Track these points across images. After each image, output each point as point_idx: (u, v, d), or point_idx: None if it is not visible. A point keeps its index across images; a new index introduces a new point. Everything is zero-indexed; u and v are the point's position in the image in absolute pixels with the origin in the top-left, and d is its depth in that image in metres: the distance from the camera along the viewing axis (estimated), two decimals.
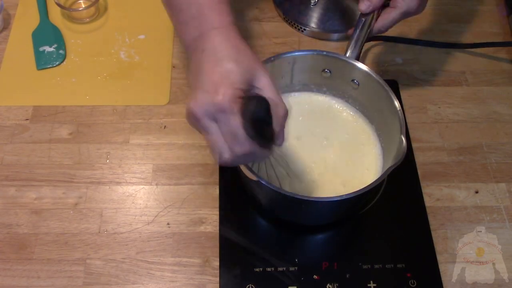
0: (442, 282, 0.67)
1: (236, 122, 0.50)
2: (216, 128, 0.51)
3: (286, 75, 0.72)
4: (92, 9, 0.90)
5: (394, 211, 0.73)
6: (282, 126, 0.54)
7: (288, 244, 0.70)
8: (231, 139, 0.51)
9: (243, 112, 0.49)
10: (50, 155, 0.76)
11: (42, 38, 0.87)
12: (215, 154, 0.53)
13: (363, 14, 0.70)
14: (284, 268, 0.67)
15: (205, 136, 0.53)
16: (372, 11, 0.70)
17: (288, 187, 0.67)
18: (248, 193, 0.71)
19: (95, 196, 0.73)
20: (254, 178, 0.60)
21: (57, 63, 0.85)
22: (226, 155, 0.52)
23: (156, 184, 0.74)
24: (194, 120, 0.52)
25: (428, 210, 0.73)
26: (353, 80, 0.71)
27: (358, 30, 0.70)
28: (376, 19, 0.71)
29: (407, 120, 0.80)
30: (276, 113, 0.52)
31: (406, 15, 0.71)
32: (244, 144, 0.51)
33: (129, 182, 0.74)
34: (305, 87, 0.75)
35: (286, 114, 0.54)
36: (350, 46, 0.70)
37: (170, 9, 0.61)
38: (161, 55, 0.87)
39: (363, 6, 0.69)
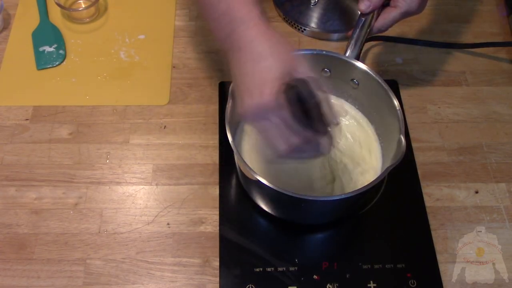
0: (442, 282, 0.67)
1: (286, 116, 0.51)
2: (269, 125, 0.52)
3: None
4: (92, 9, 0.90)
5: (394, 211, 0.73)
6: (331, 109, 0.53)
7: (288, 244, 0.70)
8: (286, 132, 0.52)
9: (289, 100, 0.50)
10: (50, 155, 0.76)
11: (42, 38, 0.87)
12: (276, 149, 0.54)
13: (363, 14, 0.70)
14: (284, 268, 0.67)
15: (264, 135, 0.54)
16: (372, 11, 0.70)
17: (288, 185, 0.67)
18: (248, 193, 0.71)
19: (95, 196, 0.73)
20: (254, 178, 0.60)
21: (57, 63, 0.85)
22: (282, 147, 0.53)
23: (156, 184, 0.74)
24: (248, 123, 0.54)
25: (428, 210, 0.73)
26: (352, 80, 0.71)
27: (357, 30, 0.70)
28: (376, 19, 0.71)
29: (407, 120, 0.80)
30: (316, 100, 0.52)
31: (406, 15, 0.71)
32: (298, 134, 0.52)
33: (129, 182, 0.74)
34: None
35: (328, 98, 0.53)
36: (350, 46, 0.70)
37: (202, 6, 0.61)
38: (161, 55, 0.87)
39: (363, 6, 0.69)
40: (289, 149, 0.53)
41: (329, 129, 0.54)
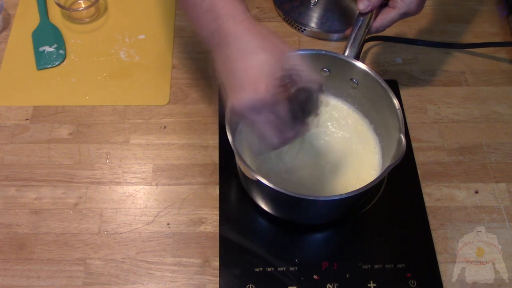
0: (442, 282, 0.67)
1: (283, 111, 0.52)
2: (263, 119, 0.53)
3: None
4: (92, 9, 0.90)
5: (394, 211, 0.73)
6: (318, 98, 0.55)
7: (288, 244, 0.70)
8: (280, 126, 0.53)
9: (294, 100, 0.52)
10: (50, 155, 0.76)
11: (42, 38, 0.87)
12: (265, 142, 0.55)
13: (362, 14, 0.70)
14: (284, 268, 0.67)
15: (253, 128, 0.55)
16: (371, 11, 0.70)
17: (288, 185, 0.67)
18: (248, 193, 0.71)
19: (95, 196, 0.73)
20: (254, 178, 0.60)
21: (57, 63, 0.85)
22: (275, 141, 0.54)
23: (156, 184, 0.74)
24: (240, 117, 0.54)
25: (428, 210, 0.73)
26: (352, 79, 0.71)
27: (356, 29, 0.70)
28: (375, 19, 0.71)
29: (407, 120, 0.81)
30: (312, 87, 0.53)
31: (405, 15, 0.71)
32: (293, 128, 0.54)
33: (129, 182, 0.74)
34: None
35: (321, 85, 0.55)
36: (349, 45, 0.70)
37: (183, 5, 0.61)
38: (161, 55, 0.87)
39: (362, 6, 0.69)
40: (282, 142, 0.54)
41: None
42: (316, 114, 0.56)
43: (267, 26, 0.56)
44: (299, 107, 0.52)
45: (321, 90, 0.54)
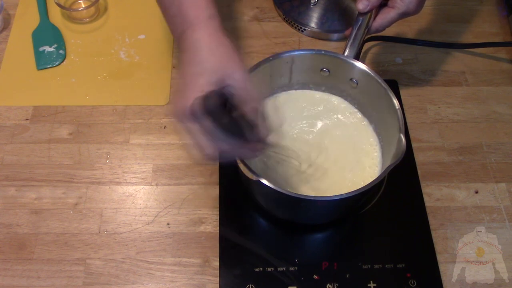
0: (442, 282, 0.67)
1: (208, 123, 0.50)
2: (196, 128, 0.52)
3: (285, 74, 0.73)
4: (92, 9, 0.90)
5: (394, 211, 0.73)
6: (259, 120, 0.53)
7: (288, 244, 0.70)
8: (211, 137, 0.51)
9: (208, 110, 0.49)
10: (50, 155, 0.76)
11: (42, 38, 0.87)
12: (201, 151, 0.53)
13: (361, 13, 0.70)
14: (284, 268, 0.67)
15: (189, 137, 0.53)
16: (370, 11, 0.70)
17: (289, 185, 0.67)
18: (248, 193, 0.71)
19: (95, 196, 0.73)
20: (254, 178, 0.60)
21: (57, 63, 0.85)
22: (209, 151, 0.52)
23: (156, 184, 0.74)
24: (178, 122, 0.53)
25: (428, 210, 0.73)
26: (351, 79, 0.71)
27: (355, 29, 0.70)
28: (374, 18, 0.71)
29: (407, 120, 0.81)
30: (246, 107, 0.51)
31: (404, 15, 0.71)
32: (224, 141, 0.51)
33: (129, 182, 0.74)
34: (304, 86, 0.75)
35: (259, 109, 0.53)
36: (348, 45, 0.70)
37: (160, 8, 0.63)
38: (161, 55, 0.87)
39: (361, 5, 0.69)
40: (215, 153, 0.52)
41: (262, 135, 0.53)
42: (265, 136, 0.54)
43: (229, 39, 0.56)
44: (226, 120, 0.50)
45: (257, 112, 0.52)
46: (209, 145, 0.52)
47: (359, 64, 0.69)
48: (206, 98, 0.49)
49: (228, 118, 0.50)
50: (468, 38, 0.91)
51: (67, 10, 0.90)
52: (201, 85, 0.51)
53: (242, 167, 0.62)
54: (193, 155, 0.53)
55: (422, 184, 0.75)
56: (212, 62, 0.53)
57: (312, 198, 0.62)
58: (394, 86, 0.83)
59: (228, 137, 0.51)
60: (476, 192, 0.75)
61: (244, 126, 0.51)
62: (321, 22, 0.90)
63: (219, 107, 0.49)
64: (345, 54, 0.69)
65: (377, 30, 0.72)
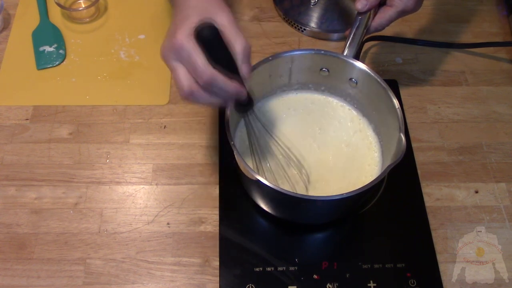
0: (442, 282, 0.67)
1: (195, 53, 0.53)
2: (180, 66, 0.55)
3: (284, 74, 0.73)
4: (92, 9, 0.90)
5: (394, 211, 0.73)
6: (245, 60, 0.56)
7: (288, 244, 0.70)
8: (193, 69, 0.54)
9: (197, 39, 0.53)
10: (50, 155, 0.76)
11: (42, 38, 0.87)
12: (179, 89, 0.56)
13: (360, 13, 0.70)
14: (284, 268, 0.67)
15: (172, 75, 0.57)
16: (369, 10, 0.70)
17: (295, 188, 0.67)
18: (248, 193, 0.71)
19: (95, 196, 0.73)
20: (254, 178, 0.60)
21: (57, 63, 0.85)
22: (187, 87, 0.55)
23: (156, 184, 0.74)
24: (164, 61, 0.57)
25: (428, 210, 0.73)
26: (351, 79, 0.71)
27: (355, 29, 0.70)
28: (373, 18, 0.71)
29: (406, 120, 0.81)
30: (233, 46, 0.55)
31: (403, 13, 0.71)
32: (205, 70, 0.54)
33: (129, 182, 0.74)
34: (304, 86, 0.75)
35: (246, 47, 0.56)
36: (347, 45, 0.70)
37: None
38: None
39: (360, 5, 0.69)
40: (195, 89, 0.55)
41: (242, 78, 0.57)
42: (245, 76, 0.57)
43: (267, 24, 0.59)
44: (207, 50, 0.54)
45: (243, 51, 0.56)
46: (189, 81, 0.55)
47: (359, 64, 0.69)
48: (201, 28, 0.53)
49: (223, 49, 0.54)
50: (468, 38, 0.91)
51: (67, 10, 0.90)
52: (188, 23, 0.55)
53: (242, 167, 0.62)
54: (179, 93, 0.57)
55: (422, 184, 0.75)
56: (200, 5, 0.57)
57: (312, 198, 0.62)
58: (394, 86, 0.83)
59: (220, 70, 0.54)
60: (476, 192, 0.75)
61: (227, 59, 0.55)
62: (321, 22, 0.90)
63: (215, 38, 0.53)
64: (345, 53, 0.69)
65: (377, 30, 0.72)
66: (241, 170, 0.66)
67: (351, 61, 0.69)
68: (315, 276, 0.67)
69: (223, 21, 0.56)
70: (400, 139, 0.61)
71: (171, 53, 0.55)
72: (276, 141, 0.69)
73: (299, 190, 0.67)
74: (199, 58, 0.53)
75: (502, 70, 0.88)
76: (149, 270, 0.67)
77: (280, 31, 0.91)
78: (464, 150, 0.79)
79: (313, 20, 0.90)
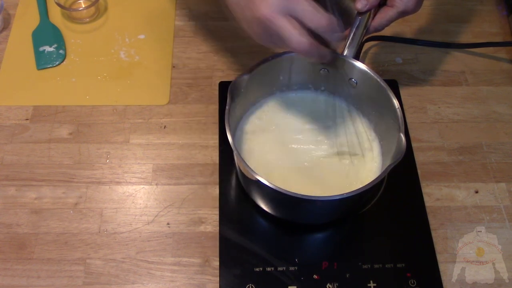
0: (442, 282, 0.67)
1: (307, 2, 0.57)
2: (291, 20, 0.58)
3: (284, 74, 0.72)
4: (92, 9, 0.90)
5: (394, 211, 0.73)
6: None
7: (288, 244, 0.70)
8: (311, 15, 0.58)
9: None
10: (50, 155, 0.76)
11: (42, 38, 0.87)
12: (293, 43, 0.58)
13: (360, 13, 0.70)
14: (284, 268, 0.67)
15: (281, 34, 0.58)
16: (369, 10, 0.70)
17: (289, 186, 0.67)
18: (248, 193, 0.71)
19: (95, 196, 0.73)
20: (254, 178, 0.60)
21: (57, 63, 0.85)
22: (304, 39, 0.58)
23: (156, 184, 0.74)
24: (267, 25, 0.58)
25: (428, 210, 0.73)
26: (351, 79, 0.71)
27: (354, 29, 0.70)
28: (373, 18, 0.71)
29: (407, 120, 0.81)
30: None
31: (403, 14, 0.71)
32: (324, 14, 0.58)
33: (129, 182, 0.74)
34: (304, 86, 0.75)
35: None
36: (347, 45, 0.70)
37: None
38: (161, 55, 0.87)
39: (360, 5, 0.69)
40: (310, 41, 0.58)
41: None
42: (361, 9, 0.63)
43: None
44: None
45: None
46: (304, 32, 0.58)
47: (358, 64, 0.69)
48: None
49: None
50: (468, 38, 0.91)
51: (67, 10, 0.90)
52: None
53: (242, 167, 0.62)
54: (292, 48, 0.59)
55: (422, 184, 0.75)
56: None
57: (312, 198, 0.62)
58: (394, 86, 0.83)
59: (333, 18, 0.58)
60: (476, 192, 0.75)
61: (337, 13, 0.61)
62: None
63: None
64: (344, 53, 0.69)
65: (376, 30, 0.72)
66: (241, 170, 0.66)
67: (350, 61, 0.69)
68: (315, 276, 0.67)
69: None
70: (400, 139, 0.61)
71: (282, 6, 0.57)
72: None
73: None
74: (315, 4, 0.57)
75: (502, 70, 0.88)
76: (149, 270, 0.67)
77: None
78: (464, 150, 0.79)
79: None
